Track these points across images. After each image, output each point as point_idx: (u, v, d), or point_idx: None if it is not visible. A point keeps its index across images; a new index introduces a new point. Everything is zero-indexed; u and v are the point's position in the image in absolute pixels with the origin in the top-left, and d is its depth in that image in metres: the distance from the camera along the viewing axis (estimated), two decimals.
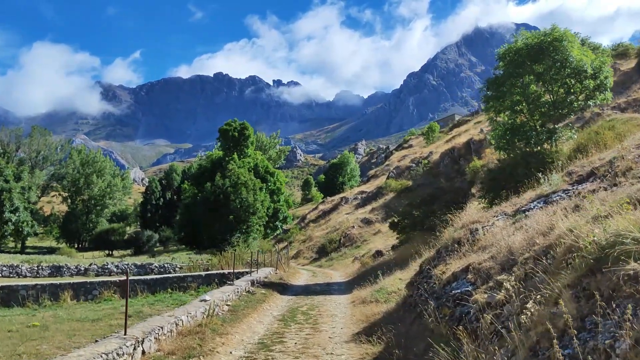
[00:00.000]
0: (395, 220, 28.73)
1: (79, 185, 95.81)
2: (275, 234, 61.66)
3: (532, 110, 26.81)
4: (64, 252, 71.85)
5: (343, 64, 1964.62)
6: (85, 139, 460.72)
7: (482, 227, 11.33)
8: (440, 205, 25.96)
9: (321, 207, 79.39)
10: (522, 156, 25.04)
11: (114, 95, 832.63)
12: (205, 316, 12.92)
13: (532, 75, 27.00)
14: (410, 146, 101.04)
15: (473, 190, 30.63)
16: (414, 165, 65.36)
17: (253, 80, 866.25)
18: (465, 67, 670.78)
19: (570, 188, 11.06)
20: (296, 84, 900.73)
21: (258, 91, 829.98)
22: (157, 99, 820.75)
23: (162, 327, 10.37)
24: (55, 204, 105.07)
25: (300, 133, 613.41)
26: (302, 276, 31.64)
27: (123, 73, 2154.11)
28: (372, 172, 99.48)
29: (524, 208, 11.39)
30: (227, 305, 15.53)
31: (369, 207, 58.80)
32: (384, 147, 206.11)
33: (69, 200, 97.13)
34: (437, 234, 25.97)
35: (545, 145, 26.33)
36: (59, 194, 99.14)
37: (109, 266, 46.54)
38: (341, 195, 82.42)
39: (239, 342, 11.86)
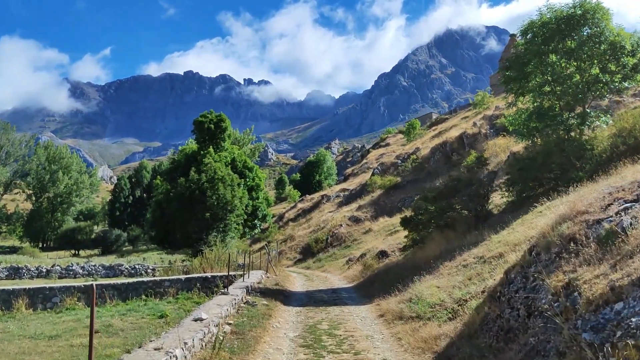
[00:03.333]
0: (408, 215, 25.29)
1: (44, 182, 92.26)
2: (254, 233, 57.93)
3: (563, 92, 23.48)
4: (27, 252, 68.22)
5: (315, 63, 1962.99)
6: (52, 137, 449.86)
7: (632, 219, 7.78)
8: (460, 200, 22.57)
9: (300, 205, 76.15)
10: (556, 143, 21.72)
11: (82, 92, 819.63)
12: (204, 345, 9.16)
13: (561, 52, 23.72)
14: (388, 144, 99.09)
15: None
16: (399, 161, 62.23)
17: (223, 78, 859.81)
18: (436, 68, 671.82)
19: None
20: (267, 82, 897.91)
21: (228, 90, 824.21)
22: (126, 97, 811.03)
23: None
24: (19, 202, 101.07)
25: (271, 132, 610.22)
26: (296, 280, 27.98)
27: (92, 70, 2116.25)
28: (349, 170, 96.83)
29: None
30: (228, 324, 11.77)
31: (354, 205, 55.46)
32: (359, 146, 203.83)
33: (34, 198, 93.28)
34: (460, 231, 22.92)
35: (576, 131, 23.06)
36: (23, 192, 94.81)
37: (73, 267, 42.66)
38: (322, 193, 79.28)
39: None
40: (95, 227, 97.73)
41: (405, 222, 24.84)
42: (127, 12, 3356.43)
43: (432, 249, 20.09)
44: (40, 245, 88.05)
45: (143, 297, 21.36)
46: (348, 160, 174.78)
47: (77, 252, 79.37)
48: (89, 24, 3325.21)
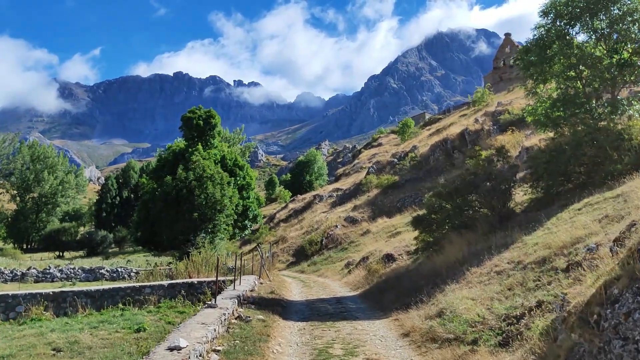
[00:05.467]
0: (420, 214, 22.65)
1: (29, 182, 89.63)
2: (244, 234, 55.47)
3: (591, 76, 21.06)
4: (8, 253, 65.44)
5: (305, 64, 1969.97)
6: (40, 137, 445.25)
7: None
8: (479, 196, 20.02)
9: (291, 205, 73.69)
10: (587, 133, 19.26)
11: (71, 93, 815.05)
12: None
13: (589, 32, 21.35)
14: (380, 144, 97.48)
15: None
16: (396, 160, 59.78)
17: (213, 80, 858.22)
18: (426, 71, 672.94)
19: None
20: (257, 84, 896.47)
21: (218, 91, 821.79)
22: (115, 98, 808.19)
23: None
24: (3, 202, 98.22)
25: (261, 134, 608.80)
26: (292, 286, 25.34)
27: (81, 70, 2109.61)
28: (341, 170, 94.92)
29: None
30: (215, 351, 9.07)
31: (349, 205, 52.90)
32: (350, 146, 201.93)
33: (18, 198, 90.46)
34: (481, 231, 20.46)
35: (608, 119, 20.63)
36: (7, 192, 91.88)
37: (51, 270, 39.86)
38: (314, 193, 76.87)
39: None
40: (81, 228, 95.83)
41: (417, 222, 22.20)
42: (117, 12, 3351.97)
43: (453, 253, 17.52)
44: (24, 247, 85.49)
45: (120, 305, 19.18)
46: (339, 160, 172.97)
47: (61, 253, 76.98)
48: (78, 24, 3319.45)
